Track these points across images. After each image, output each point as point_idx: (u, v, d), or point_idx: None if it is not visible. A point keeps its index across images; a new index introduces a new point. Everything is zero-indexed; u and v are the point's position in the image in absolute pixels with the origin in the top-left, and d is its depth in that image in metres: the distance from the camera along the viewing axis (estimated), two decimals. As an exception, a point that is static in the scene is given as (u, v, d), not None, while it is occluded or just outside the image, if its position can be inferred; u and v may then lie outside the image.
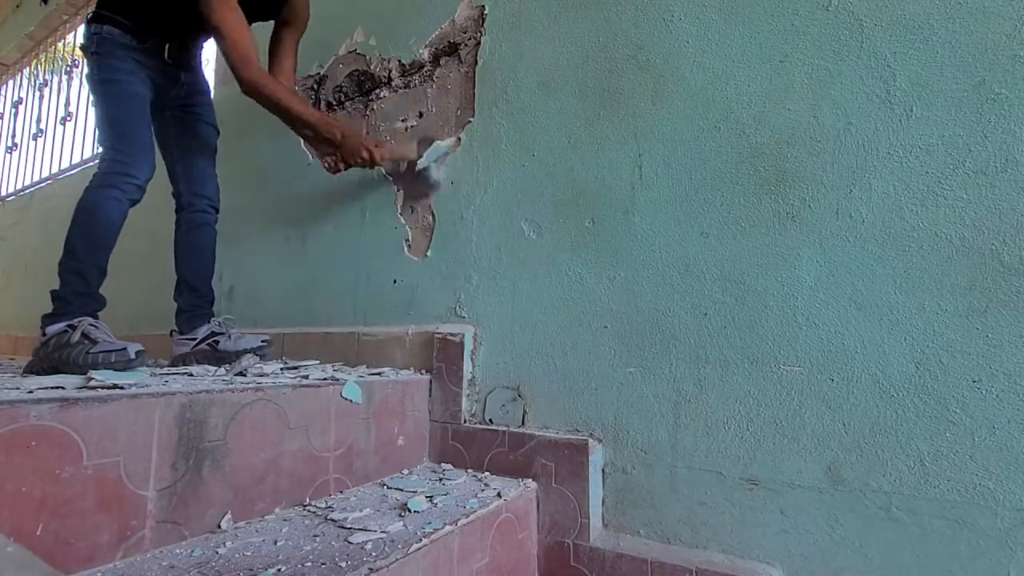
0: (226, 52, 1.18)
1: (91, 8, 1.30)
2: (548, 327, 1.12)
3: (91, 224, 1.13)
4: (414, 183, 1.38)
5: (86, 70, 1.27)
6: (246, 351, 1.27)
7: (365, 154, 1.28)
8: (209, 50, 2.02)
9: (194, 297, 1.38)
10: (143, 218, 1.20)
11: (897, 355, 0.78)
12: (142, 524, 0.65)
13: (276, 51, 1.44)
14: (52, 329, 1.03)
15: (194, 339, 1.33)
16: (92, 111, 1.35)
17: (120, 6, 1.23)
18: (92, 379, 0.74)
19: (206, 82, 1.47)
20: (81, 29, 3.41)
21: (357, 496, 0.91)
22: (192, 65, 1.40)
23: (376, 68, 1.55)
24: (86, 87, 1.36)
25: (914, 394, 0.77)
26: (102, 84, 1.21)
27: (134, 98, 1.23)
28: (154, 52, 1.27)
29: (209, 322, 1.36)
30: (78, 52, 3.46)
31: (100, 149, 1.21)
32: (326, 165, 1.38)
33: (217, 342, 1.31)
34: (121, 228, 1.18)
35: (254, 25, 1.42)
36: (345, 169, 1.36)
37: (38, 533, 0.56)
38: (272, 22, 1.45)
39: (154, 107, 1.29)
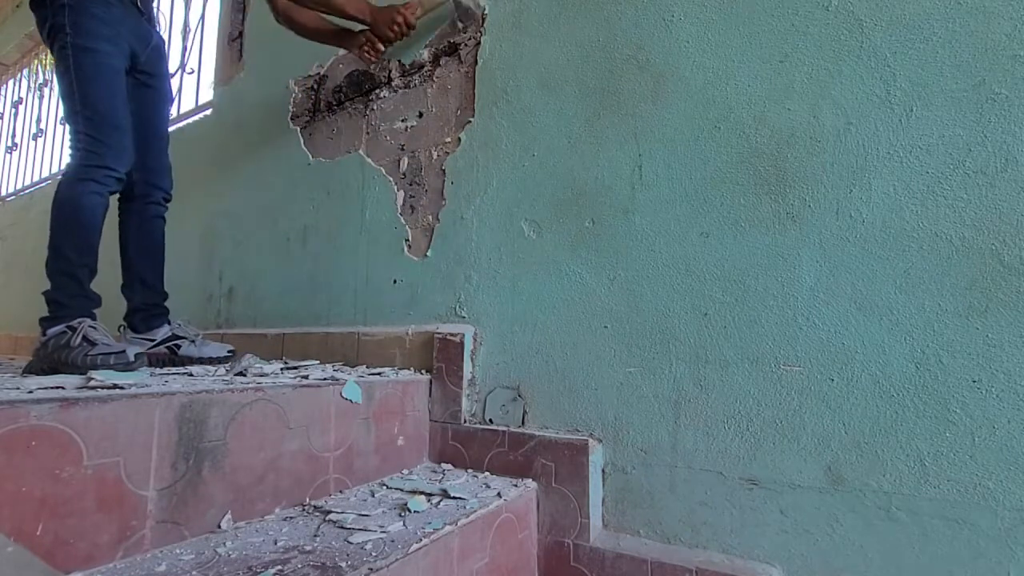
0: None
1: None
2: (548, 327, 1.12)
3: (74, 224, 1.07)
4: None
5: (52, 21, 1.07)
6: (211, 359, 1.22)
7: (400, 19, 1.28)
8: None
9: (150, 295, 1.29)
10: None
11: (897, 355, 0.78)
12: (142, 524, 0.65)
13: None
14: (52, 331, 1.02)
15: (152, 340, 1.24)
16: (56, 78, 1.11)
17: None
18: (92, 379, 0.74)
19: (163, 40, 1.34)
20: None
21: (357, 496, 0.91)
22: (155, 18, 1.31)
23: (376, 68, 1.55)
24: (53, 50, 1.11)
25: (914, 394, 0.77)
26: (77, 52, 1.05)
27: (112, 73, 1.09)
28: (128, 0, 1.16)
29: (169, 323, 1.28)
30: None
31: (70, 130, 1.07)
32: (366, 55, 1.40)
33: (179, 346, 1.25)
34: (103, 222, 1.11)
35: None
36: (385, 48, 1.38)
37: (38, 533, 0.56)
38: None
39: None
